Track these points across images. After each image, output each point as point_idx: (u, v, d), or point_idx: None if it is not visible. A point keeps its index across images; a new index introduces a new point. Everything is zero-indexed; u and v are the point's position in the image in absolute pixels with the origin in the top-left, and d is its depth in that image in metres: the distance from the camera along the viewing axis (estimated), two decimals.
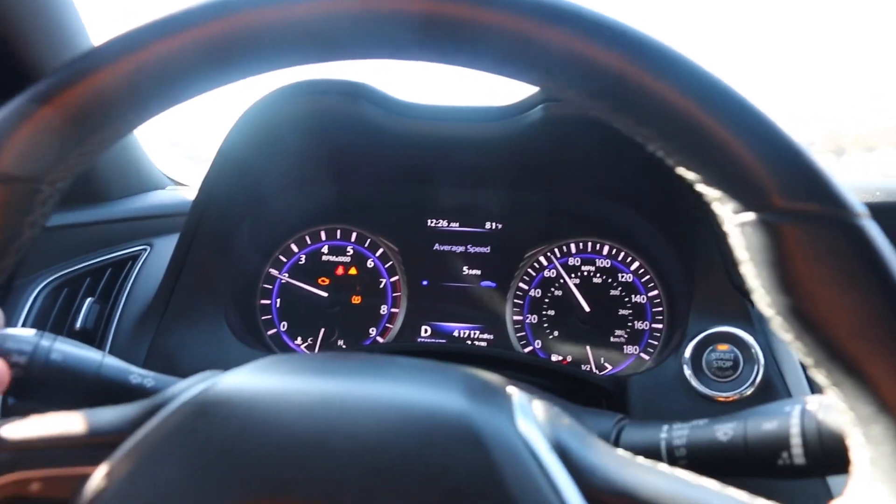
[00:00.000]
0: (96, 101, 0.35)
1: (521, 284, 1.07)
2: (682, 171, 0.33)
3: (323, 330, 1.06)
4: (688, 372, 0.81)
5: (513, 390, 0.37)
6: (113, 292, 0.97)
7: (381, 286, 1.09)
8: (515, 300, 1.06)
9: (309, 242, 1.11)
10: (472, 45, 0.33)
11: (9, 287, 0.94)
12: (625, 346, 1.02)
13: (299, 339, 1.06)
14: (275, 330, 1.06)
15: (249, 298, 1.06)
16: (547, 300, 1.06)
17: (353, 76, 0.94)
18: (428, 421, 0.32)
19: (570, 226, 1.08)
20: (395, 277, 1.09)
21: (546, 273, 1.07)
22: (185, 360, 0.88)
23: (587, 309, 1.04)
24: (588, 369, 1.01)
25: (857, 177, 1.26)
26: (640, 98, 0.32)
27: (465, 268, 1.09)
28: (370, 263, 1.10)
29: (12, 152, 0.35)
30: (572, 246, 1.08)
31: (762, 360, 0.80)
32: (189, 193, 1.21)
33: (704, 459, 0.51)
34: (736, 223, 0.32)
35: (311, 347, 1.05)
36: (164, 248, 1.02)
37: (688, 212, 0.92)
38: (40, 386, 0.53)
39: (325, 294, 1.07)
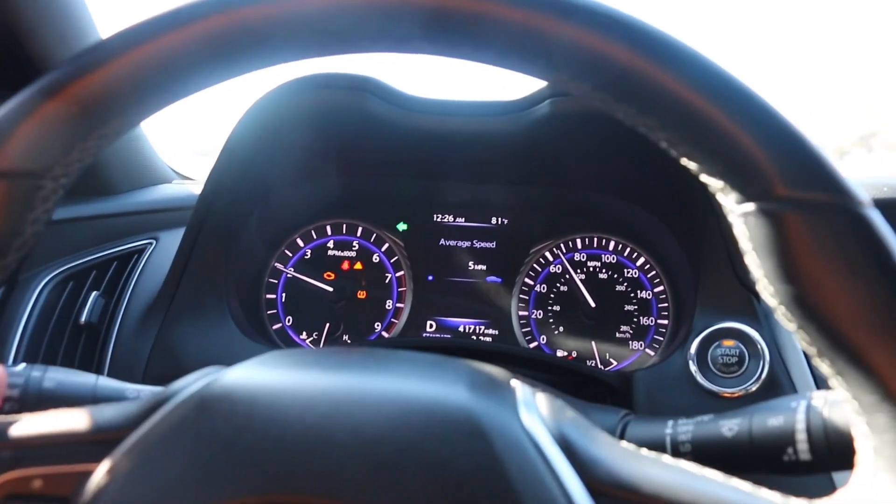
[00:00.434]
0: (102, 94, 0.35)
1: (526, 280, 1.07)
2: (685, 161, 0.33)
3: (328, 324, 1.06)
4: (693, 367, 0.81)
5: (516, 384, 0.37)
6: (118, 286, 0.97)
7: (387, 281, 1.09)
8: (521, 295, 1.06)
9: (315, 237, 1.11)
10: (477, 37, 0.33)
11: (14, 281, 0.94)
12: (630, 342, 1.01)
13: (304, 333, 1.06)
14: (280, 324, 1.06)
15: (255, 293, 1.06)
16: (552, 295, 1.06)
17: (359, 70, 0.94)
18: (432, 414, 0.32)
19: (576, 221, 1.08)
20: (401, 272, 1.09)
21: (552, 268, 1.07)
22: (190, 354, 0.88)
23: (593, 304, 1.04)
24: (593, 365, 1.00)
25: (865, 172, 1.25)
26: (642, 88, 0.32)
27: (470, 263, 1.08)
28: (376, 258, 1.10)
29: (15, 147, 0.35)
30: (578, 241, 1.08)
31: (768, 356, 0.79)
32: (195, 187, 1.21)
33: (709, 455, 0.51)
34: (739, 213, 0.32)
35: (315, 342, 1.05)
36: (170, 241, 1.03)
37: (694, 208, 0.92)
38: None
39: (330, 288, 1.07)
